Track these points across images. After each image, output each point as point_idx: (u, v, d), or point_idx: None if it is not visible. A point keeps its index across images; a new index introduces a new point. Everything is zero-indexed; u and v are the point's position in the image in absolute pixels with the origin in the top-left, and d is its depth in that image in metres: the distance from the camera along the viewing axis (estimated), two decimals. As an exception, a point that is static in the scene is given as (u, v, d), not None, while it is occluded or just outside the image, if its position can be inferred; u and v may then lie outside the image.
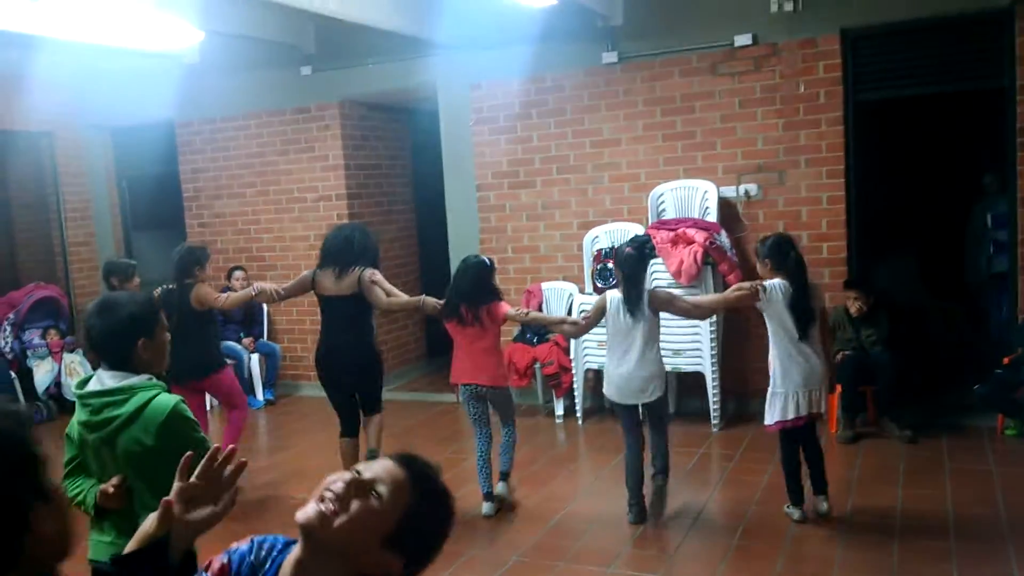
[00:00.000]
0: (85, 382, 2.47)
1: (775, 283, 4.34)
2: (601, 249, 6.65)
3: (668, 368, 6.27)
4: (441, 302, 4.82)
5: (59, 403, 7.80)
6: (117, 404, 2.37)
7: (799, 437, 4.49)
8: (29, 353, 7.92)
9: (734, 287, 4.71)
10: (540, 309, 6.94)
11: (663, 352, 6.21)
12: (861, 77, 6.27)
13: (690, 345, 6.27)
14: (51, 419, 7.73)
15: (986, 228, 6.93)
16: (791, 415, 4.34)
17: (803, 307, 4.31)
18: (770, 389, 4.42)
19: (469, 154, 7.37)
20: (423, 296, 5.05)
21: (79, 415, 2.44)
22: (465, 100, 7.32)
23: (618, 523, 4.69)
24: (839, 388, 5.89)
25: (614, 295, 4.52)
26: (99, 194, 9.15)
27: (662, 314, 6.13)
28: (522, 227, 7.27)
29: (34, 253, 9.15)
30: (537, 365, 6.75)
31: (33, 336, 7.97)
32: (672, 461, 5.78)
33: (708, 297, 4.89)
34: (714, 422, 6.27)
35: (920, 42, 6.12)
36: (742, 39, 6.36)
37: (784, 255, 4.37)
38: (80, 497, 2.46)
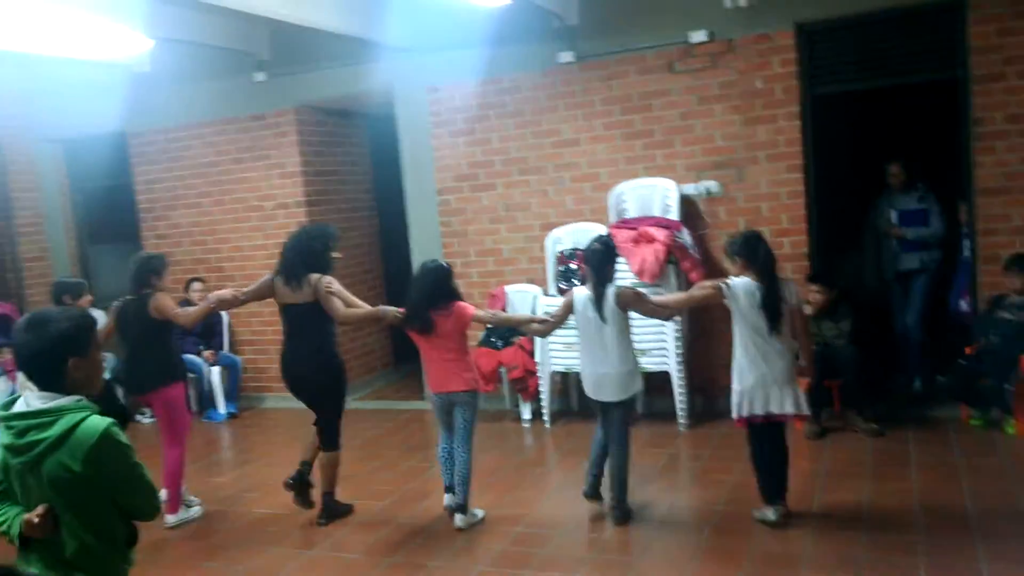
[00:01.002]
0: (11, 403, 2.34)
1: (738, 281, 4.29)
2: (563, 250, 6.60)
3: (633, 368, 6.33)
4: (401, 311, 4.73)
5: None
6: (43, 427, 2.25)
7: (765, 435, 4.44)
8: (-19, 373, 7.69)
9: (698, 285, 4.67)
10: (504, 311, 6.88)
11: (629, 352, 6.27)
12: (817, 71, 6.27)
13: (655, 344, 6.22)
14: (5, 440, 7.50)
15: (890, 224, 6.44)
16: (755, 411, 4.31)
17: (772, 304, 4.25)
18: (734, 383, 4.38)
19: (429, 158, 7.28)
20: (382, 306, 4.95)
21: (3, 438, 2.32)
22: (423, 103, 7.23)
23: (584, 528, 4.62)
24: (805, 385, 5.86)
25: (581, 293, 4.48)
26: (52, 208, 8.94)
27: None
28: (484, 230, 7.18)
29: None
30: (503, 370, 6.67)
31: (-14, 355, 7.74)
32: (641, 462, 5.76)
33: (673, 296, 4.85)
34: (681, 421, 6.22)
35: (875, 35, 6.13)
36: (697, 36, 6.33)
37: (754, 251, 4.32)
38: (4, 527, 2.33)
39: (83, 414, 2.28)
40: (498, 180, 7.08)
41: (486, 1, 5.90)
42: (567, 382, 6.89)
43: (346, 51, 7.22)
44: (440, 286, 4.63)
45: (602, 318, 4.38)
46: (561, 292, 6.24)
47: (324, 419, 4.94)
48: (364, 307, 4.90)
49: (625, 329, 4.47)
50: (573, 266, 6.45)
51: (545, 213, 6.96)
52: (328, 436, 4.94)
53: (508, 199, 7.07)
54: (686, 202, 6.49)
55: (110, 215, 8.98)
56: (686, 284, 6.10)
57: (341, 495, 5.07)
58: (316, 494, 5.04)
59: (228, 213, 8.10)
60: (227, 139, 8.00)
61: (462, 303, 4.68)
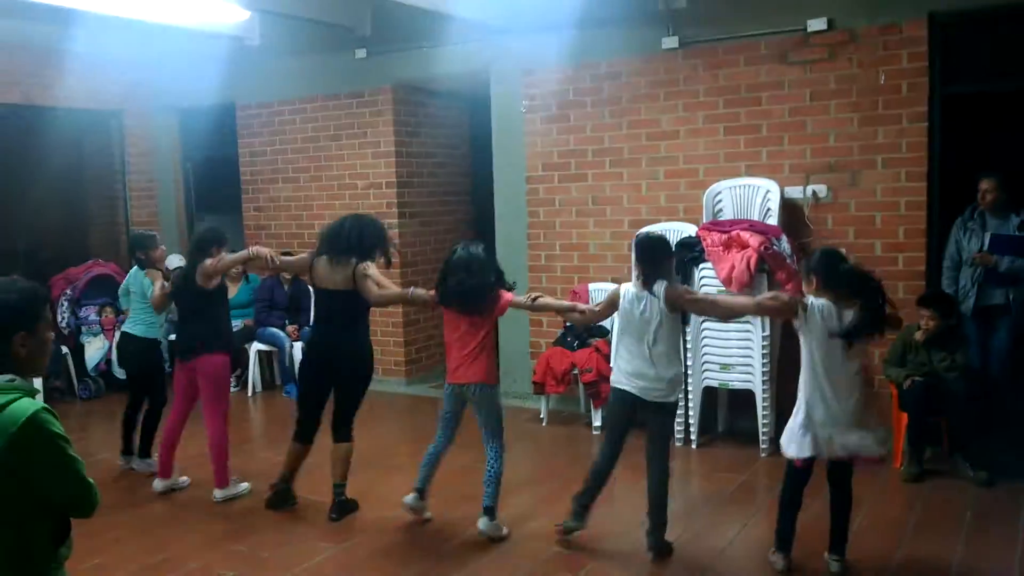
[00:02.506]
0: None
1: (817, 302, 3.77)
2: (650, 250, 6.15)
3: (715, 384, 5.84)
4: (431, 292, 4.48)
5: (108, 380, 7.86)
6: None
7: (809, 476, 3.91)
8: (84, 329, 8.01)
9: (771, 294, 4.17)
10: (585, 311, 6.52)
11: (709, 366, 5.80)
12: (951, 68, 5.55)
13: (740, 360, 5.71)
14: (98, 396, 7.80)
15: (981, 250, 5.38)
16: (821, 452, 3.78)
17: (854, 333, 3.70)
18: (793, 418, 3.86)
19: (520, 144, 6.99)
20: (412, 288, 4.73)
21: None
22: (517, 87, 6.94)
23: (631, 555, 4.22)
24: (905, 418, 5.23)
25: (628, 287, 4.09)
26: (164, 175, 9.22)
27: (710, 323, 5.67)
28: (571, 223, 6.83)
29: (101, 230, 9.30)
30: (575, 371, 6.31)
31: (89, 312, 8.06)
32: (709, 487, 5.31)
33: (736, 298, 4.36)
34: (763, 446, 5.68)
35: (1020, 29, 5.35)
36: (816, 24, 5.73)
37: (832, 270, 3.79)
38: None
39: (11, 396, 2.10)
40: (589, 171, 6.71)
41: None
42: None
43: (445, 30, 7.00)
44: (492, 268, 4.36)
45: (649, 316, 3.97)
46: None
47: (344, 409, 4.75)
48: (395, 289, 4.72)
49: (675, 332, 4.07)
50: (658, 268, 6.00)
51: (636, 209, 6.53)
52: (345, 427, 4.75)
53: (598, 192, 6.68)
54: (789, 206, 5.92)
55: (216, 184, 9.18)
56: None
57: (390, 483, 4.88)
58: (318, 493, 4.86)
59: (323, 189, 8.09)
60: (326, 115, 7.97)
61: (502, 289, 4.39)
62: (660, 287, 3.98)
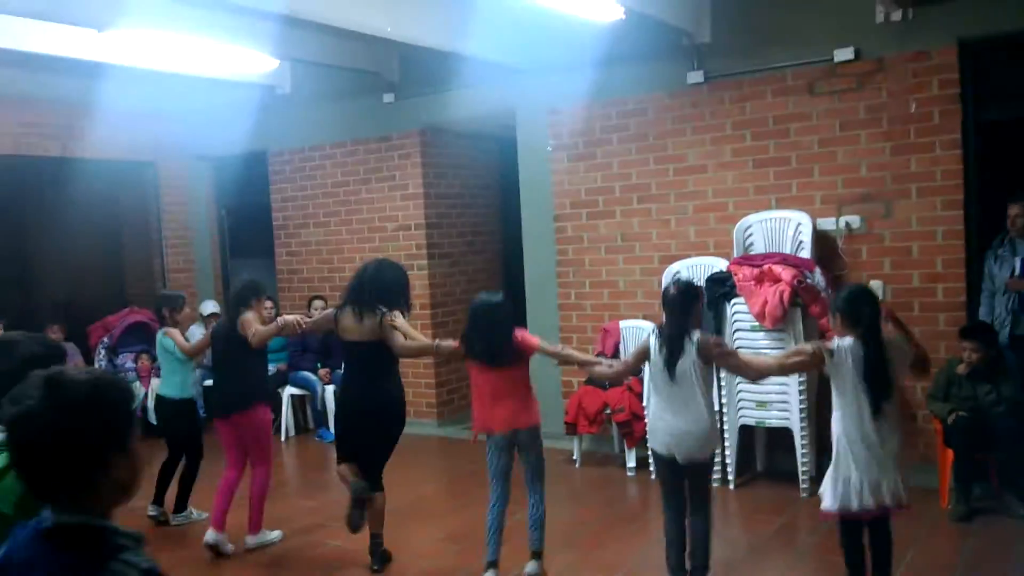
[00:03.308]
0: None
1: (843, 344, 3.61)
2: (681, 286, 6.06)
3: (752, 422, 5.70)
4: (455, 343, 4.41)
5: (144, 427, 7.89)
6: None
7: (863, 525, 3.72)
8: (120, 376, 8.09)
9: (793, 349, 4.04)
10: (617, 349, 6.43)
11: (746, 402, 5.66)
12: (983, 94, 5.44)
13: (777, 397, 5.57)
14: (134, 443, 7.83)
15: (1013, 276, 5.21)
16: (855, 506, 3.58)
17: (877, 376, 3.55)
18: (831, 467, 3.68)
19: (547, 183, 6.98)
20: (438, 340, 4.65)
21: None
22: (543, 126, 6.94)
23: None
24: (950, 457, 5.04)
25: (658, 339, 3.95)
26: (199, 222, 9.36)
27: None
28: (600, 260, 6.77)
29: (139, 278, 9.44)
30: (608, 411, 6.20)
31: (126, 360, 8.14)
32: (748, 528, 5.16)
33: (761, 360, 4.15)
34: (803, 486, 5.51)
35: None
36: (843, 54, 5.66)
37: (856, 312, 3.61)
38: None
39: None
40: (617, 208, 6.66)
41: (597, 16, 5.51)
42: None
43: (470, 73, 7.06)
44: (509, 317, 4.29)
45: (673, 372, 3.83)
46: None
47: (374, 461, 4.65)
48: (422, 340, 4.64)
49: (706, 383, 3.89)
50: (690, 304, 5.90)
51: (665, 244, 6.46)
52: (374, 478, 4.64)
53: (626, 228, 6.62)
54: (822, 239, 5.80)
55: (250, 231, 9.28)
56: (814, 331, 5.43)
57: (423, 530, 4.76)
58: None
59: (353, 233, 8.14)
60: (356, 160, 8.05)
61: (524, 332, 4.33)
62: (692, 338, 3.84)
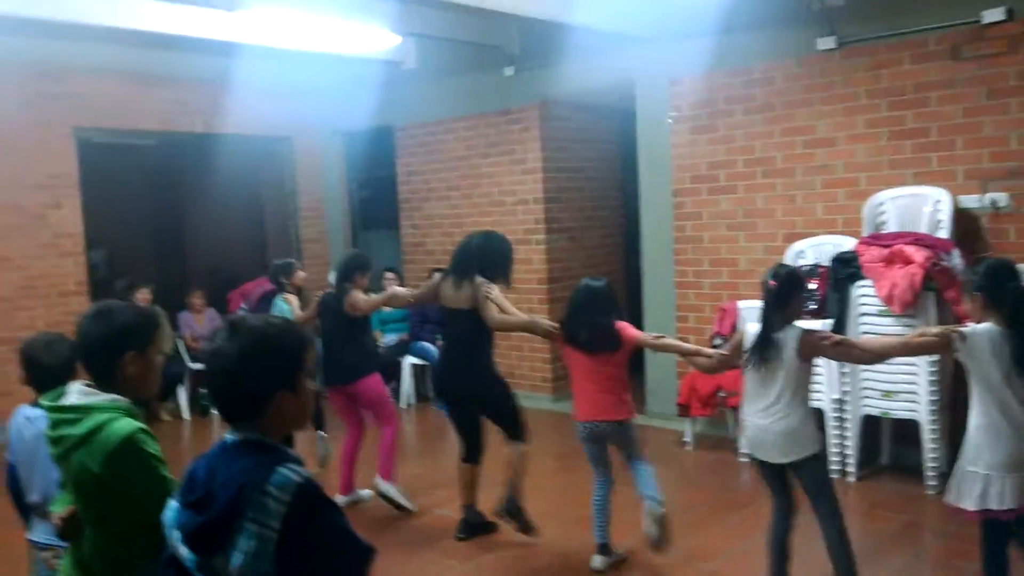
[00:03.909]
0: (61, 395, 2.36)
1: (980, 329, 3.28)
2: (803, 266, 5.75)
3: (876, 412, 5.37)
4: (556, 325, 4.35)
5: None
6: (71, 423, 2.22)
7: (1011, 531, 3.37)
8: (256, 341, 8.53)
9: (919, 331, 3.71)
10: (734, 329, 6.18)
11: (869, 392, 5.33)
12: None
13: (904, 386, 5.20)
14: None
15: None
16: (995, 503, 3.24)
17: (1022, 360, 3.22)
18: (962, 462, 3.38)
19: (666, 156, 6.76)
20: (537, 317, 4.59)
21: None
22: (664, 96, 6.72)
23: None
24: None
25: (755, 330, 3.72)
26: (332, 195, 9.69)
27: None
28: (720, 238, 6.51)
29: (276, 248, 9.91)
30: (721, 394, 5.99)
31: (260, 326, 8.56)
32: (867, 525, 4.85)
33: (881, 340, 3.83)
34: (930, 483, 5.13)
35: None
36: (992, 14, 5.16)
37: (999, 287, 3.27)
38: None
39: (112, 415, 2.21)
40: (739, 183, 6.37)
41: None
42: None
43: (590, 44, 6.90)
44: (609, 305, 4.18)
45: (772, 364, 3.56)
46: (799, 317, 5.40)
47: (500, 419, 4.68)
48: (519, 316, 4.60)
49: (802, 381, 3.58)
50: (813, 286, 5.59)
51: (790, 222, 6.13)
52: (509, 429, 4.65)
53: (749, 204, 6.33)
54: (964, 217, 5.34)
55: (378, 204, 9.55)
56: (950, 318, 5.02)
57: (529, 503, 4.74)
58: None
59: (474, 207, 8.20)
60: (476, 134, 8.09)
61: (624, 323, 4.19)
62: (791, 332, 3.57)
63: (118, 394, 2.28)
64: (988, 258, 3.71)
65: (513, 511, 4.61)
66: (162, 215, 11.79)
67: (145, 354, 2.33)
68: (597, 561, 4.26)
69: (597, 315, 4.14)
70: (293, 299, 5.78)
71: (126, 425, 2.19)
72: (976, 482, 3.28)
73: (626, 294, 8.33)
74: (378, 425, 5.32)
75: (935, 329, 3.46)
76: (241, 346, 1.78)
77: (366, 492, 5.43)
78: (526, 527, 4.62)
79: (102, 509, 2.22)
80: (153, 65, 7.90)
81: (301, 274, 6.01)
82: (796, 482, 3.69)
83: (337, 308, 5.22)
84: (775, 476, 3.71)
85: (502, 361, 7.95)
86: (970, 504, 3.30)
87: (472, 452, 4.77)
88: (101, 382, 2.30)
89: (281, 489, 1.68)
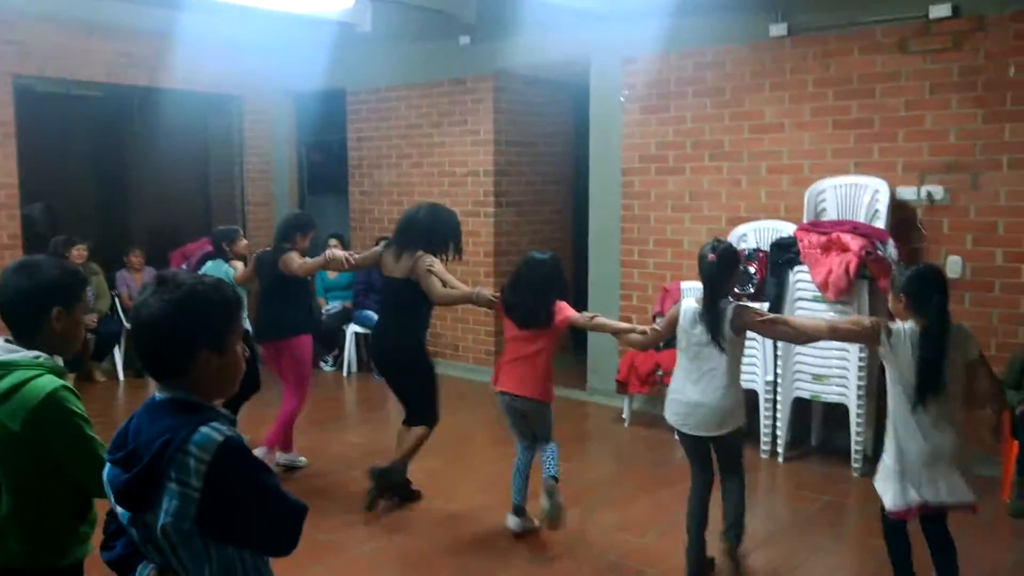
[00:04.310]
0: None
1: (907, 328, 3.33)
2: (744, 249, 5.83)
3: (807, 395, 5.49)
4: (497, 295, 4.37)
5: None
6: None
7: (924, 527, 3.47)
8: (196, 303, 8.39)
9: (852, 319, 3.80)
10: (676, 310, 6.27)
11: (802, 375, 5.45)
12: (1095, 59, 4.95)
13: (835, 371, 5.33)
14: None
15: None
16: (912, 499, 3.32)
17: (928, 369, 3.25)
18: (884, 460, 3.46)
19: (617, 135, 6.78)
20: (479, 288, 4.60)
21: None
22: (617, 74, 6.72)
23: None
24: (1015, 448, 4.74)
25: (689, 305, 3.76)
26: (280, 157, 9.52)
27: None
28: (666, 218, 6.57)
29: (221, 208, 9.73)
30: (660, 372, 6.08)
31: (202, 287, 8.42)
32: (792, 503, 5.01)
33: (810, 322, 3.93)
34: (855, 465, 5.29)
35: None
36: (939, 10, 5.25)
37: (924, 294, 3.31)
38: None
39: (35, 372, 2.15)
40: (687, 164, 6.42)
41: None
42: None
43: (547, 18, 6.88)
44: (554, 281, 4.19)
45: (710, 340, 3.63)
46: (735, 296, 5.49)
47: (412, 397, 4.72)
48: (462, 288, 4.60)
49: (737, 356, 3.71)
50: (752, 269, 5.68)
51: (735, 205, 6.21)
52: (417, 412, 4.69)
53: (695, 186, 6.39)
54: (900, 208, 5.47)
55: (328, 168, 9.42)
56: (882, 306, 5.14)
57: (462, 474, 4.81)
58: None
59: (424, 176, 8.13)
60: (429, 102, 8.01)
61: (563, 303, 4.20)
62: (726, 307, 3.64)
63: (41, 351, 2.23)
64: (920, 264, 3.80)
65: (388, 480, 4.65)
66: (105, 170, 11.45)
67: (72, 311, 2.29)
68: (511, 522, 4.34)
69: (538, 290, 4.15)
70: (239, 264, 5.69)
71: (48, 382, 2.14)
72: (895, 479, 3.34)
73: (573, 271, 8.37)
74: (285, 391, 5.24)
75: (867, 320, 3.53)
76: (168, 300, 1.74)
77: (303, 459, 5.43)
78: (407, 495, 4.75)
79: (18, 467, 2.17)
80: (99, 14, 7.65)
81: (244, 242, 5.91)
82: (716, 453, 3.80)
83: (272, 266, 5.17)
84: (700, 449, 3.81)
85: (446, 333, 8.04)
86: (889, 502, 3.37)
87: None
88: (24, 339, 2.25)
89: (201, 448, 1.66)
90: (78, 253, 7.27)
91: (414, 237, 4.56)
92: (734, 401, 3.69)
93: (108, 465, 1.80)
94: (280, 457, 5.28)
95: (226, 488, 1.68)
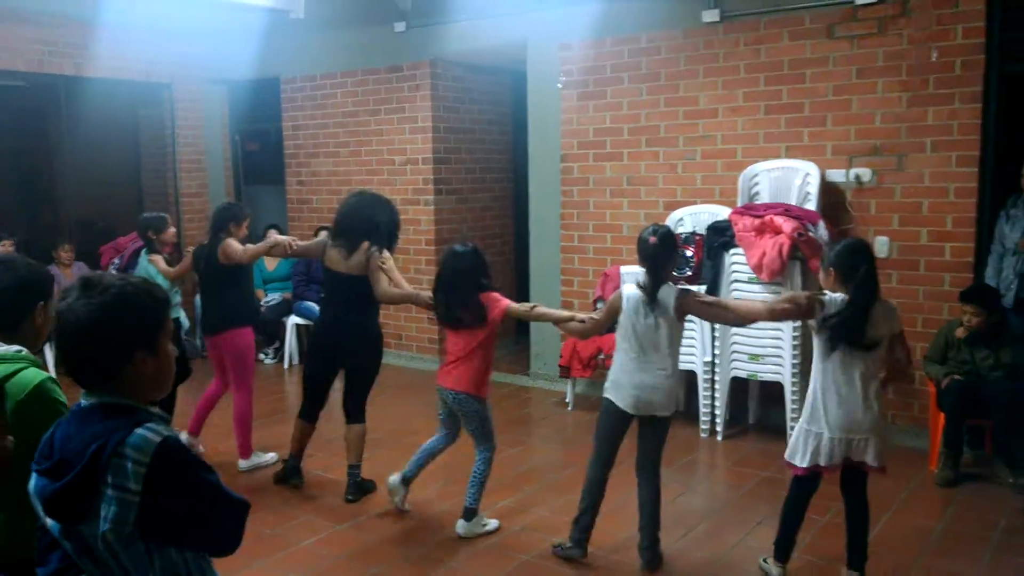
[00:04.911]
0: None
1: (838, 299, 3.49)
2: (681, 233, 5.93)
3: (744, 374, 5.62)
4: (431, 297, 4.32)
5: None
6: None
7: (843, 487, 3.67)
8: (130, 298, 8.19)
9: (785, 297, 3.91)
10: (616, 294, 6.35)
11: (739, 355, 5.58)
12: (1010, 45, 5.14)
13: (770, 351, 5.47)
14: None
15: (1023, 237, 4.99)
16: (824, 460, 3.52)
17: (856, 336, 3.43)
18: (801, 422, 3.62)
19: (556, 121, 6.81)
20: (419, 291, 4.54)
21: None
22: (554, 60, 6.74)
23: (614, 567, 4.04)
24: (942, 420, 4.93)
25: (631, 292, 3.80)
26: (213, 146, 9.33)
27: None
28: (605, 204, 6.64)
29: (153, 201, 9.50)
30: (602, 356, 6.16)
31: (136, 282, 8.22)
32: (729, 480, 5.13)
33: (748, 304, 4.04)
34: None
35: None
36: (865, -5, 5.39)
37: (852, 267, 3.47)
38: None
39: (18, 365, 2.16)
40: (625, 150, 6.49)
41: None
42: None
43: (483, 4, 6.87)
44: (472, 275, 4.12)
45: (654, 324, 3.69)
46: (673, 279, 5.57)
47: (355, 390, 4.71)
48: (405, 288, 4.59)
49: (677, 338, 3.78)
50: (689, 252, 5.78)
51: (671, 190, 6.30)
52: (356, 408, 4.72)
53: (633, 172, 6.46)
54: (830, 191, 5.61)
55: (264, 158, 9.26)
56: (815, 286, 5.27)
57: (404, 461, 4.78)
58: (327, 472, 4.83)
59: (362, 165, 8.06)
60: (366, 90, 7.93)
61: (495, 294, 4.15)
62: (668, 292, 3.70)
63: (20, 346, 2.26)
64: (847, 239, 3.93)
65: (364, 491, 4.77)
66: (32, 163, 11.08)
67: (48, 305, 2.36)
68: (392, 479, 4.44)
69: (462, 289, 4.09)
70: (159, 259, 5.56)
71: (35, 374, 2.18)
72: (811, 440, 3.53)
73: (514, 257, 8.42)
74: (232, 386, 5.20)
75: (803, 296, 3.64)
76: (97, 304, 1.70)
77: (270, 455, 5.37)
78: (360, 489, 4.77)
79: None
80: (19, 1, 7.37)
81: (172, 230, 5.78)
82: (641, 439, 3.88)
83: (210, 259, 5.09)
84: (622, 431, 3.88)
85: (390, 323, 7.99)
86: (802, 460, 3.54)
87: (314, 411, 4.87)
88: (4, 333, 2.28)
89: (138, 450, 1.64)
90: (3, 248, 7.04)
91: (360, 231, 4.51)
92: (676, 384, 3.81)
93: (34, 476, 1.75)
94: (242, 464, 5.24)
95: (166, 489, 1.66)
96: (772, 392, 5.70)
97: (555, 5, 6.58)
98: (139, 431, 1.66)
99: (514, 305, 4.18)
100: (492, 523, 4.35)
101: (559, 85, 6.73)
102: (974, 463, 5.11)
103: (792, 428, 5.37)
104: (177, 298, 5.84)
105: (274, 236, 4.97)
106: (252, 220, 5.42)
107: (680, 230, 5.97)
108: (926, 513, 4.51)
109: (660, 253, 3.72)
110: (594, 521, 3.96)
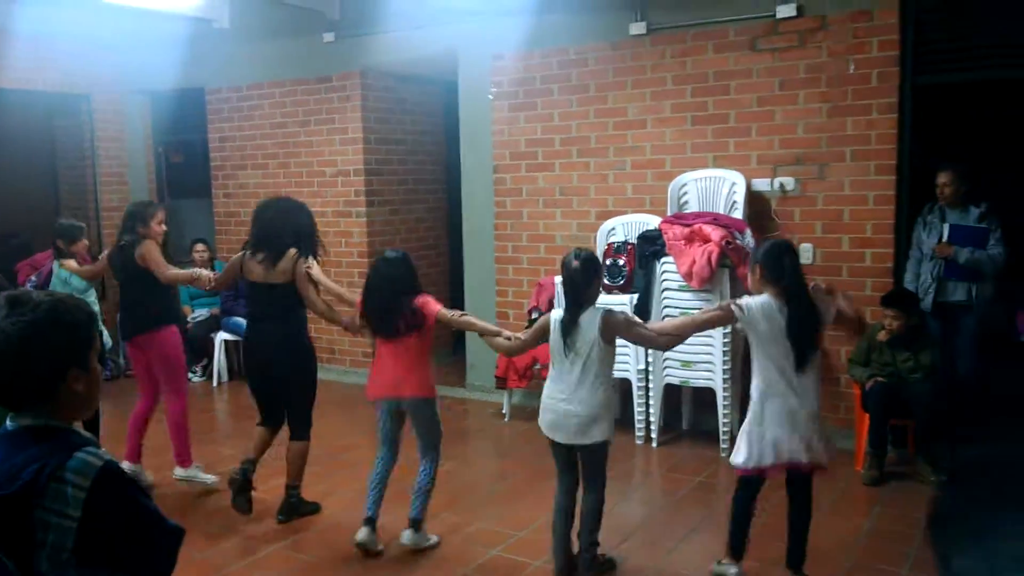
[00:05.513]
0: None
1: (755, 300, 3.57)
2: (613, 243, 6.00)
3: (677, 381, 5.69)
4: (359, 311, 4.23)
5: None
6: None
7: (787, 487, 3.73)
8: (49, 316, 7.90)
9: (707, 308, 3.98)
10: (551, 303, 6.36)
11: (671, 363, 5.64)
12: (922, 57, 5.35)
13: (702, 357, 5.56)
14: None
15: (940, 242, 5.25)
16: (768, 462, 3.57)
17: (799, 332, 3.52)
18: (745, 423, 3.69)
19: (487, 132, 6.82)
20: (350, 317, 4.41)
21: None
22: (486, 72, 6.75)
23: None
24: (868, 420, 5.08)
25: (559, 315, 3.74)
26: (136, 159, 9.07)
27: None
28: (538, 214, 6.67)
29: (72, 215, 9.15)
30: (537, 366, 6.17)
31: (55, 299, 7.93)
32: (665, 486, 5.20)
33: (672, 322, 4.07)
34: (723, 446, 5.53)
35: (994, 18, 5.15)
36: (785, 9, 5.55)
37: (777, 264, 3.56)
38: None
39: None
40: (556, 160, 6.54)
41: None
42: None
43: (414, 14, 6.84)
44: (405, 280, 4.07)
45: (575, 348, 3.63)
46: (605, 288, 5.62)
47: (295, 408, 4.58)
48: (336, 292, 4.53)
49: (606, 363, 3.69)
50: (621, 262, 5.85)
51: (603, 200, 6.37)
52: (298, 424, 4.58)
53: (565, 182, 6.51)
54: (756, 199, 5.75)
55: (189, 171, 9.04)
56: (743, 293, 5.39)
57: (350, 484, 4.71)
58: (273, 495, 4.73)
59: (292, 176, 7.93)
60: (295, 100, 7.81)
61: (426, 298, 4.12)
62: (594, 315, 3.63)
63: None
64: (771, 238, 4.02)
65: (299, 512, 4.65)
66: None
67: None
68: (362, 534, 4.16)
69: (395, 295, 4.03)
70: (70, 262, 5.43)
71: None
72: (754, 441, 3.58)
73: (449, 268, 8.39)
74: (164, 392, 5.04)
75: (721, 304, 3.72)
76: (28, 322, 1.64)
77: (211, 477, 5.19)
78: (245, 505, 4.59)
79: None
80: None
81: (84, 243, 5.61)
82: (581, 460, 3.80)
83: (127, 261, 4.93)
84: (567, 454, 3.82)
85: (323, 336, 7.86)
86: (747, 461, 3.60)
87: (275, 415, 4.64)
88: None
89: (79, 475, 1.60)
90: None
91: (286, 239, 4.42)
92: (602, 409, 3.65)
93: None
94: (178, 472, 5.11)
95: (106, 514, 1.62)
96: (704, 398, 5.79)
97: (486, 16, 6.59)
98: (79, 455, 1.62)
99: (444, 310, 4.12)
100: (433, 538, 4.30)
101: (490, 96, 6.75)
102: (898, 462, 5.28)
103: (724, 432, 5.50)
104: (96, 307, 5.65)
105: (197, 270, 4.84)
106: (179, 234, 5.30)
107: (612, 239, 6.04)
108: (855, 511, 4.64)
109: (582, 276, 3.65)
110: (570, 546, 3.87)
